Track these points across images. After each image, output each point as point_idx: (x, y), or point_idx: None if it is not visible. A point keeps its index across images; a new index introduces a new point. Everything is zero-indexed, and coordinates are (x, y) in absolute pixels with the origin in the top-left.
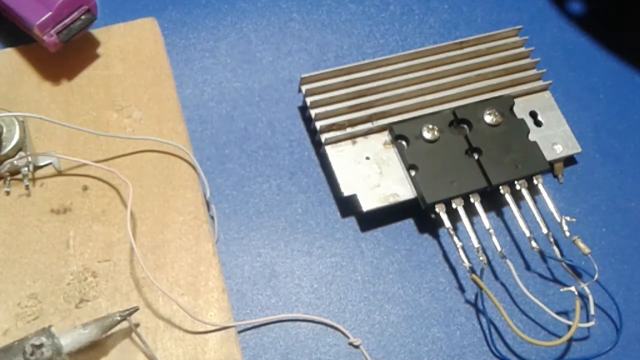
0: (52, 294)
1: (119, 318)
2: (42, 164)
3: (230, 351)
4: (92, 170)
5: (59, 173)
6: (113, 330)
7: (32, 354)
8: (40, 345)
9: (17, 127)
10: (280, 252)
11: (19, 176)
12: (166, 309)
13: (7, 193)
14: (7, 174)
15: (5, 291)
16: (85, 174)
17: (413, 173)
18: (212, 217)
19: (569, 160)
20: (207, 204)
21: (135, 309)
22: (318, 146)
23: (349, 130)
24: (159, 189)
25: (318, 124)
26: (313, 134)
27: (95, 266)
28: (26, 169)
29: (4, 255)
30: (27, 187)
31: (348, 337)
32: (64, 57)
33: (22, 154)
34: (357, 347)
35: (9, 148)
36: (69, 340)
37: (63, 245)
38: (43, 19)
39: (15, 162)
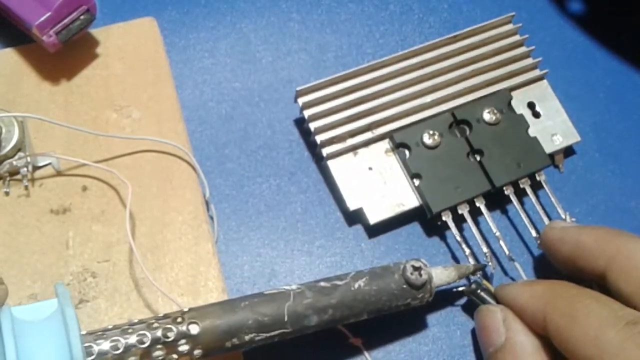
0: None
1: (472, 269)
2: (41, 164)
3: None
4: (91, 171)
5: (58, 173)
6: None
7: (411, 273)
8: (419, 268)
9: (16, 128)
10: (280, 252)
11: (18, 177)
12: (166, 309)
13: (7, 193)
14: (6, 174)
15: None
16: (85, 174)
17: (417, 182)
18: (211, 217)
19: (569, 151)
20: (207, 204)
21: (484, 266)
22: (318, 159)
23: (349, 142)
24: (158, 189)
25: (318, 138)
26: (312, 146)
27: (95, 266)
28: (25, 169)
29: (3, 255)
30: (26, 187)
31: (348, 337)
32: (63, 57)
33: (21, 154)
34: (357, 347)
35: (8, 148)
36: (434, 274)
37: (62, 245)
38: (42, 19)
39: (14, 162)
